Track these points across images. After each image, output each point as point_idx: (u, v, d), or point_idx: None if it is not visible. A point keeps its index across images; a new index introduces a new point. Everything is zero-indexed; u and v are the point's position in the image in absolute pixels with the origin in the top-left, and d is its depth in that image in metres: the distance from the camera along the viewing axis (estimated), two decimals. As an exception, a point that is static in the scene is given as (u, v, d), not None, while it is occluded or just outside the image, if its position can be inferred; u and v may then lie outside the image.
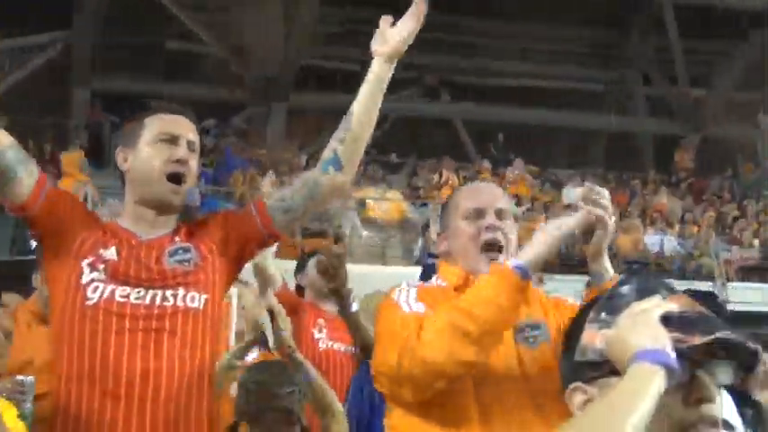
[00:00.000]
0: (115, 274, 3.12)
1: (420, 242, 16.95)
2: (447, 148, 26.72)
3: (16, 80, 24.84)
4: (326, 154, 3.33)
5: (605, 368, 1.72)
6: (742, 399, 4.54)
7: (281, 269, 6.18)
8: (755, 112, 27.45)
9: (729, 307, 18.19)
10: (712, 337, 1.70)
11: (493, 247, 3.04)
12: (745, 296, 18.23)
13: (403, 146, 26.66)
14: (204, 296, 3.17)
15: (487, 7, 28.58)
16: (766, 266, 19.51)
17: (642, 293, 1.82)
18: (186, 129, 3.29)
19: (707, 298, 4.81)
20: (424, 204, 19.76)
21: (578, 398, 1.80)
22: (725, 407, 3.67)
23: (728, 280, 18.78)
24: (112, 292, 3.10)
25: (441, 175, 22.89)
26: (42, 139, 21.29)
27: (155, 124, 3.25)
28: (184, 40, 26.64)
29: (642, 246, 19.26)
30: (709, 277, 18.82)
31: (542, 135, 28.62)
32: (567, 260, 18.70)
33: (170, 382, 3.06)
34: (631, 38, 29.99)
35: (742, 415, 4.50)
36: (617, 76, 30.71)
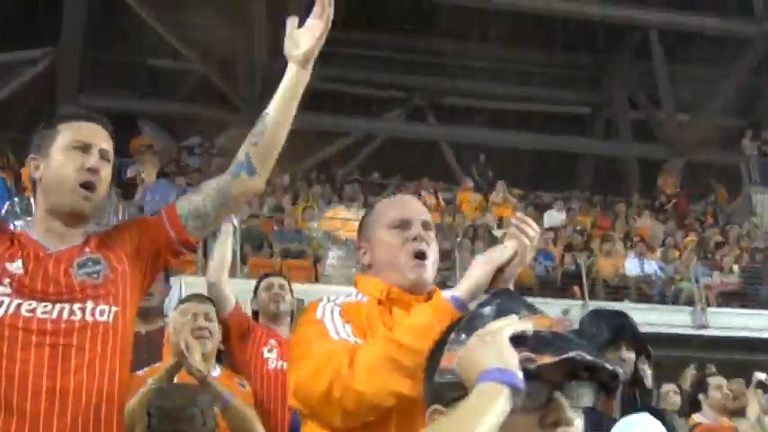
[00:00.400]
0: (21, 289, 3.04)
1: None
2: (432, 169, 26.79)
3: (2, 96, 24.89)
4: (239, 157, 3.24)
5: (464, 390, 1.68)
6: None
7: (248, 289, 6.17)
8: (739, 137, 27.58)
9: (709, 332, 18.27)
10: (564, 356, 1.67)
11: (421, 257, 2.97)
12: (725, 321, 18.26)
13: (388, 167, 26.70)
14: (114, 309, 3.09)
15: (475, 31, 28.73)
16: (746, 292, 19.49)
17: (501, 314, 1.80)
18: (100, 137, 3.22)
19: (617, 317, 4.82)
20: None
21: (437, 420, 1.77)
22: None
23: (708, 305, 18.78)
24: (18, 307, 3.01)
25: (419, 197, 22.91)
26: (25, 155, 21.23)
27: (68, 132, 3.19)
28: (169, 58, 26.68)
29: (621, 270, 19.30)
30: (689, 302, 18.85)
31: (528, 158, 28.69)
32: (548, 283, 18.75)
33: (77, 399, 2.98)
34: (617, 62, 30.14)
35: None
36: (603, 99, 30.85)
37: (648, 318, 17.99)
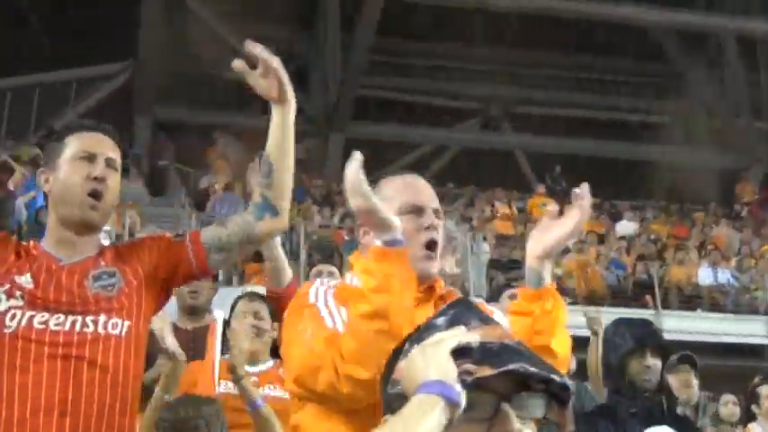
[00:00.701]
0: (33, 300, 3.07)
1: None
2: (506, 179, 26.72)
3: (82, 110, 25.42)
4: (257, 200, 3.27)
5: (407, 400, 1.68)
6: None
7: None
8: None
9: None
10: (503, 368, 1.68)
11: (432, 247, 2.91)
12: (800, 331, 17.94)
13: (462, 177, 26.69)
14: (127, 323, 3.13)
15: (549, 40, 28.55)
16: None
17: (453, 324, 1.80)
18: (105, 146, 3.25)
19: (640, 325, 4.80)
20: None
21: None
22: None
23: (782, 314, 18.47)
24: (31, 319, 3.04)
25: (492, 207, 22.88)
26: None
27: (74, 143, 3.24)
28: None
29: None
30: (765, 311, 18.54)
31: (604, 166, 28.44)
32: (619, 293, 18.60)
33: (89, 411, 3.01)
34: (694, 70, 29.74)
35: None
36: (679, 107, 30.46)
37: (721, 327, 17.80)
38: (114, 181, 3.24)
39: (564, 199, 23.67)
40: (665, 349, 4.74)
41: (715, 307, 18.53)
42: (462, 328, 1.76)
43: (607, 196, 25.57)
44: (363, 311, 2.55)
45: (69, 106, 25.45)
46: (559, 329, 2.84)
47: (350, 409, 2.65)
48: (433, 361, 1.66)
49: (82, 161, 3.19)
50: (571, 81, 29.48)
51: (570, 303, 15.54)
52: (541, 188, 24.21)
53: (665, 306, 18.11)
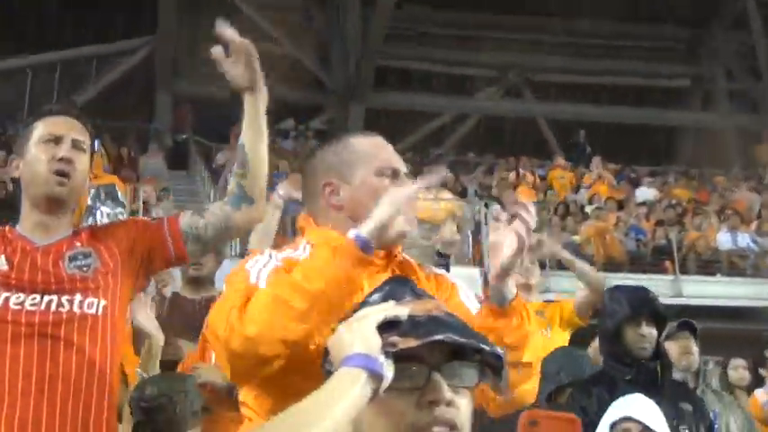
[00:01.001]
0: (7, 282, 3.10)
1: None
2: (527, 147, 26.69)
3: (103, 86, 25.52)
4: (233, 189, 3.28)
5: None
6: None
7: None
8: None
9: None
10: (429, 339, 1.68)
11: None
12: (819, 294, 17.87)
13: (483, 145, 26.69)
14: (103, 302, 3.16)
15: (571, 6, 28.39)
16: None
17: (386, 300, 1.84)
18: (71, 129, 3.29)
19: (637, 292, 4.83)
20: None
21: None
22: (648, 413, 3.75)
23: (804, 277, 18.40)
24: (6, 300, 3.08)
25: (518, 174, 22.86)
26: (124, 143, 21.85)
27: (40, 127, 3.28)
28: (263, 42, 26.97)
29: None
30: (785, 275, 18.50)
31: (626, 132, 28.35)
32: (638, 258, 18.56)
33: (66, 388, 3.03)
34: (715, 33, 29.54)
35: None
36: (701, 71, 30.27)
37: (740, 291, 17.78)
38: (82, 162, 3.28)
39: (586, 167, 23.74)
40: (661, 317, 4.76)
41: (734, 271, 18.49)
42: (392, 302, 1.80)
43: (627, 162, 25.55)
44: (295, 281, 2.40)
45: (91, 82, 25.61)
46: (531, 341, 2.64)
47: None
48: (358, 334, 1.68)
49: (47, 144, 3.24)
50: (591, 47, 29.30)
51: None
52: (560, 160, 24.17)
53: (684, 271, 18.08)
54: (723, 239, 19.00)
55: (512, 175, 22.76)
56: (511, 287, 2.59)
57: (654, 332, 4.67)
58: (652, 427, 3.77)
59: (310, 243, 2.64)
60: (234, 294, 2.46)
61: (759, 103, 28.60)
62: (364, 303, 1.92)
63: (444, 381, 1.71)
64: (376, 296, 1.92)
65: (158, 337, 4.31)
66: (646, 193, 22.52)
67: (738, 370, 8.32)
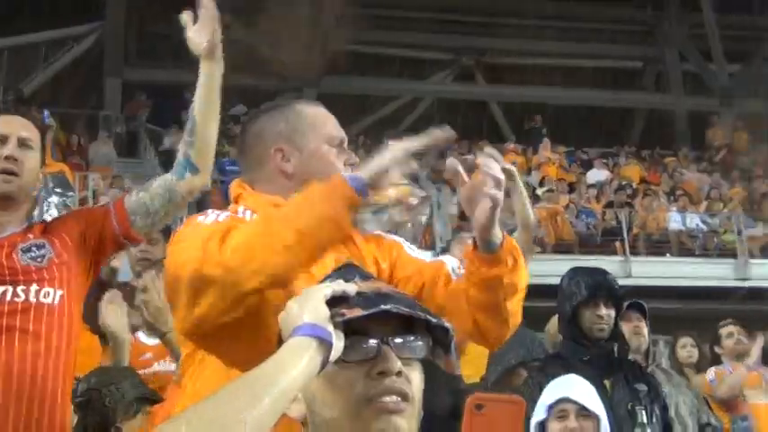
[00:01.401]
0: None
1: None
2: (482, 129, 26.76)
3: (52, 73, 25.27)
4: (179, 158, 3.32)
5: None
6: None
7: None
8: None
9: (750, 284, 18.15)
10: (375, 309, 1.71)
11: None
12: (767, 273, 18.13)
13: (437, 128, 26.70)
14: (59, 292, 3.20)
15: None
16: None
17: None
18: (17, 127, 3.35)
19: (595, 274, 4.88)
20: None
21: None
22: (584, 393, 3.79)
23: (751, 256, 18.63)
24: None
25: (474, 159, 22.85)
26: (73, 130, 21.65)
27: None
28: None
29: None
30: (732, 254, 18.72)
31: (579, 114, 28.51)
32: (588, 240, 18.72)
33: (22, 377, 3.06)
34: (667, 16, 29.76)
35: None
36: (653, 53, 30.48)
37: (689, 271, 17.99)
38: (30, 159, 3.34)
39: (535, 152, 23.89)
40: (619, 299, 4.80)
41: (684, 251, 18.70)
42: (340, 281, 1.81)
43: (579, 144, 25.71)
44: (285, 214, 2.35)
45: (39, 69, 25.34)
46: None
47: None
48: (307, 306, 1.71)
49: None
50: (543, 29, 29.41)
51: (539, 252, 15.67)
52: (511, 145, 24.26)
53: (634, 252, 18.25)
54: (673, 220, 19.20)
55: (469, 159, 22.71)
56: (496, 233, 2.52)
57: (612, 313, 4.71)
58: (589, 407, 3.81)
59: (250, 209, 2.61)
60: (203, 230, 2.37)
61: (710, 86, 28.87)
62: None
63: (394, 353, 1.73)
64: (326, 281, 1.90)
65: (124, 339, 4.30)
66: (597, 174, 22.68)
67: (687, 348, 8.42)
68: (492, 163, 2.49)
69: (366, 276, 1.94)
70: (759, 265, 18.44)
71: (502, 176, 2.48)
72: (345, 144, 2.77)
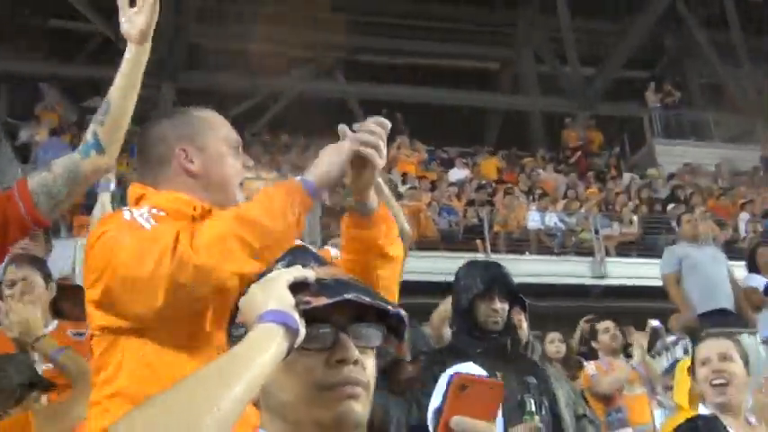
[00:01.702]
0: None
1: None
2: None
3: None
4: (87, 137, 3.26)
5: None
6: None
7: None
8: (643, 90, 28.07)
9: (607, 282, 18.64)
10: (339, 298, 1.75)
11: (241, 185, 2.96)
12: (623, 271, 18.61)
13: (297, 126, 26.65)
14: None
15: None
16: (644, 242, 19.87)
17: (291, 266, 1.87)
18: None
19: (490, 268, 4.96)
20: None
21: None
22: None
23: (608, 255, 19.13)
24: None
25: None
26: None
27: None
28: (72, 19, 26.26)
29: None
30: (589, 253, 19.18)
31: (438, 113, 28.81)
32: (450, 238, 18.88)
33: None
34: (524, 17, 30.34)
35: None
36: (510, 55, 31.04)
37: (549, 269, 18.35)
38: None
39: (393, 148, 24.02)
40: (513, 293, 4.88)
41: (543, 250, 19.06)
42: (298, 266, 1.84)
43: (439, 143, 25.98)
44: (241, 235, 2.45)
45: None
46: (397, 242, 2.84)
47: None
48: (271, 292, 1.72)
49: None
50: (402, 29, 29.64)
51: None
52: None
53: (495, 250, 18.52)
54: (532, 219, 19.56)
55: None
56: (373, 198, 2.74)
57: (506, 307, 4.80)
58: None
59: (158, 207, 2.69)
60: (152, 239, 2.47)
61: (565, 88, 29.54)
62: (269, 270, 1.96)
63: (351, 341, 1.78)
64: (280, 264, 1.98)
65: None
66: (458, 173, 22.96)
67: (555, 343, 8.65)
68: (369, 129, 2.63)
69: (320, 261, 1.97)
70: (615, 264, 18.92)
71: (378, 142, 2.62)
72: (240, 147, 2.95)
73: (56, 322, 4.94)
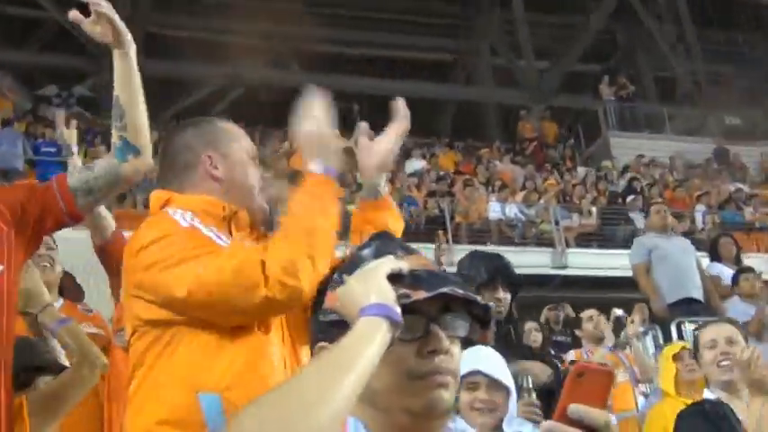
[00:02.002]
0: None
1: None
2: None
3: None
4: (116, 143, 3.28)
5: (346, 327, 1.77)
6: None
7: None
8: (597, 83, 28.30)
9: (568, 272, 18.78)
10: (437, 291, 1.79)
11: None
12: (583, 261, 18.77)
13: (252, 116, 26.55)
14: (0, 267, 3.06)
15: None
16: (603, 233, 20.06)
17: (379, 255, 1.91)
18: None
19: (493, 259, 5.05)
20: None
21: None
22: (495, 365, 3.87)
23: (567, 246, 19.28)
24: None
25: (291, 144, 22.85)
26: None
27: None
28: (24, 6, 25.95)
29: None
30: (550, 243, 19.32)
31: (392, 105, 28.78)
32: (412, 228, 18.90)
33: None
34: (479, 10, 30.43)
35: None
36: (465, 47, 31.13)
37: (510, 259, 18.38)
38: None
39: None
40: (515, 283, 5.03)
41: (504, 240, 19.14)
42: (391, 257, 1.87)
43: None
44: (304, 225, 2.61)
45: None
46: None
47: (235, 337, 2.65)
48: (373, 286, 1.76)
49: None
50: (359, 20, 29.64)
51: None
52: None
53: (456, 241, 18.58)
54: (492, 210, 19.65)
55: (286, 145, 22.71)
56: (384, 185, 3.08)
57: (508, 297, 4.94)
58: (500, 379, 3.87)
59: (181, 209, 2.81)
60: (240, 253, 2.61)
61: (519, 80, 29.69)
62: (356, 258, 1.99)
63: (441, 331, 1.84)
64: (366, 251, 1.99)
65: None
66: (415, 164, 23.01)
67: (531, 333, 8.72)
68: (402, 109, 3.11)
69: (406, 249, 2.00)
70: (574, 254, 19.09)
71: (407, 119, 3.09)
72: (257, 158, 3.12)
73: (62, 300, 5.07)
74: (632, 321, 8.49)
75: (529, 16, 29.06)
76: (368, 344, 1.68)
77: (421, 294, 1.79)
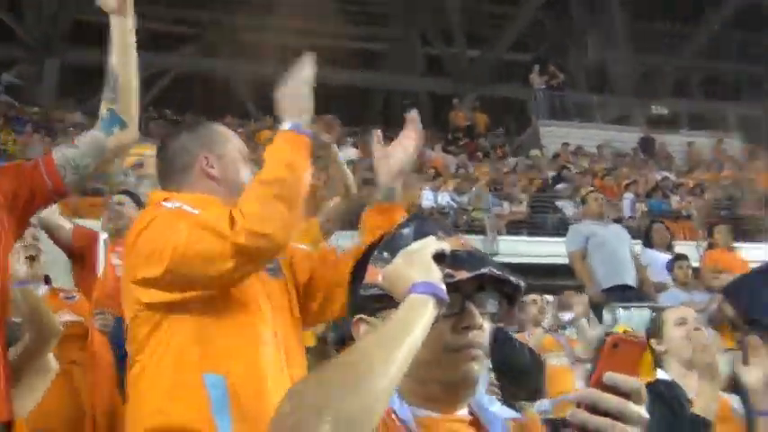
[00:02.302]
0: None
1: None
2: (227, 106, 26.63)
3: None
4: (104, 114, 3.33)
5: (386, 301, 1.91)
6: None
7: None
8: (528, 72, 28.50)
9: (499, 259, 18.89)
10: (478, 272, 1.92)
11: None
12: (514, 249, 18.92)
13: (182, 103, 26.41)
14: None
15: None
16: (533, 221, 20.27)
17: (419, 235, 2.00)
18: None
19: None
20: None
21: (362, 328, 2.02)
22: None
23: (499, 233, 19.43)
24: None
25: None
26: None
27: None
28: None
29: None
30: (481, 231, 19.44)
31: (324, 93, 28.69)
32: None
33: None
34: (410, -1, 30.55)
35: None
36: (396, 35, 31.18)
37: (443, 247, 18.57)
38: None
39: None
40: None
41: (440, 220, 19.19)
42: (433, 237, 1.96)
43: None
44: (278, 194, 2.72)
45: None
46: None
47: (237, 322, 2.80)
48: (421, 265, 1.86)
49: None
50: (291, 7, 29.48)
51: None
52: (269, 121, 24.30)
53: (390, 228, 18.60)
54: (425, 198, 19.74)
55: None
56: (400, 190, 3.17)
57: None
58: None
59: (188, 203, 2.91)
60: (215, 212, 2.75)
61: (451, 69, 29.83)
62: (397, 236, 2.09)
63: (475, 308, 1.96)
64: (406, 230, 2.08)
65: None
66: (348, 152, 23.01)
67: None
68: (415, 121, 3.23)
69: (446, 229, 2.08)
70: (506, 242, 19.23)
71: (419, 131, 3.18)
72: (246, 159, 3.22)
73: (46, 287, 5.20)
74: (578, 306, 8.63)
75: (461, 4, 29.14)
76: (418, 317, 1.78)
77: (463, 274, 1.91)
